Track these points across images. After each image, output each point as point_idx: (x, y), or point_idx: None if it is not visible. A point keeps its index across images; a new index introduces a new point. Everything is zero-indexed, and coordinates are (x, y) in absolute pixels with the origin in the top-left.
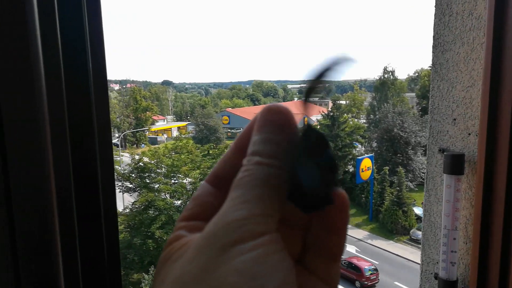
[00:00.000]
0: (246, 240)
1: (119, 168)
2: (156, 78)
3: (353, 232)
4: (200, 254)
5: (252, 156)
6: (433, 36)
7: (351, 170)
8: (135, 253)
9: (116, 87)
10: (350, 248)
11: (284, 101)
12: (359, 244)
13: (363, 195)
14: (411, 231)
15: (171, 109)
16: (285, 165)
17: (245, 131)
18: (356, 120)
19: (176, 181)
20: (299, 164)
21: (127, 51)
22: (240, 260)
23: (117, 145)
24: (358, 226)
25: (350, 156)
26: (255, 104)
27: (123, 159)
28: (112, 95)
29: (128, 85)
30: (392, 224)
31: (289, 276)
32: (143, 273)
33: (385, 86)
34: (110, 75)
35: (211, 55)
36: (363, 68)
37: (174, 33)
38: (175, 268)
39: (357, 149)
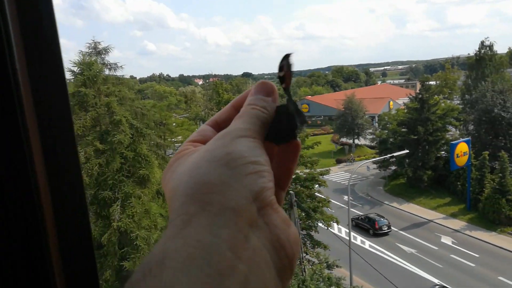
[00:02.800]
0: (248, 137)
1: None
2: (236, 71)
3: (448, 222)
4: (219, 139)
5: (249, 105)
6: None
7: (444, 155)
8: None
9: (200, 82)
10: (445, 240)
11: (366, 85)
12: (456, 235)
13: (458, 183)
14: None
15: None
16: (269, 114)
17: (242, 96)
18: (448, 101)
19: None
20: (278, 114)
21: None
22: (246, 143)
23: None
24: (454, 216)
25: (443, 141)
26: (335, 91)
27: None
28: (196, 89)
29: (211, 79)
30: (494, 214)
31: (267, 158)
32: None
33: (482, 62)
34: (194, 71)
35: (287, 45)
36: (455, 45)
37: (253, 27)
38: (194, 155)
39: (451, 132)
